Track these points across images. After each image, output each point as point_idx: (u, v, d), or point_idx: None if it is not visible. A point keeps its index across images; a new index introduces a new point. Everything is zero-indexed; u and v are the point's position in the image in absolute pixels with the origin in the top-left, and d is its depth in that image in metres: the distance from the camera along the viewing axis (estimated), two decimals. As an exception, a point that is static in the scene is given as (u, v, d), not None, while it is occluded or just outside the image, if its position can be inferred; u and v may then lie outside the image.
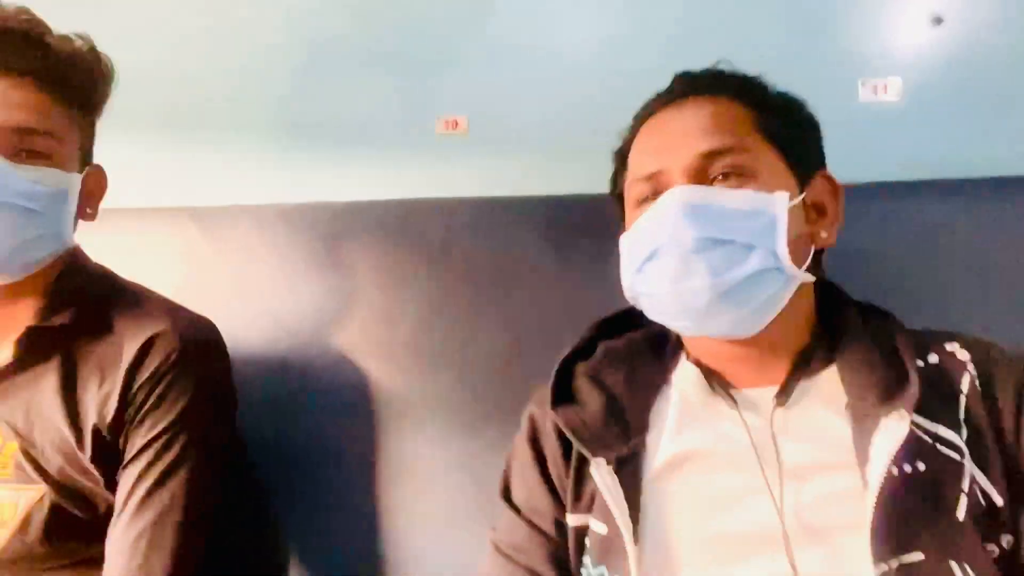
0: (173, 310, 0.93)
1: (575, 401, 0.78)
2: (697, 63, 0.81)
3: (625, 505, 0.69)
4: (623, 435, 0.74)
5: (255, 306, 1.15)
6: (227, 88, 1.28)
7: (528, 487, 0.79)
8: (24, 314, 0.88)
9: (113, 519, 0.85)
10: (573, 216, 1.10)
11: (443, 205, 1.16)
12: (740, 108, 0.75)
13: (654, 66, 0.82)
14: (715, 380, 0.75)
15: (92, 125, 0.94)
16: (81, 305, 0.89)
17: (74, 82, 0.88)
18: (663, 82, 0.81)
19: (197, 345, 0.90)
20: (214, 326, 0.95)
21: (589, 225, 1.07)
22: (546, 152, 1.24)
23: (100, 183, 0.96)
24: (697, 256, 0.68)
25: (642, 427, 0.75)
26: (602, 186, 0.88)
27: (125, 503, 0.84)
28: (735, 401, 0.73)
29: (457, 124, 1.30)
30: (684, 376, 0.77)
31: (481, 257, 1.10)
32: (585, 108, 1.22)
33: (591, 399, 0.77)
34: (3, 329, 0.89)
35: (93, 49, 0.91)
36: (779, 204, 0.70)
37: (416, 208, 1.16)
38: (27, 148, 0.83)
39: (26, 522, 0.85)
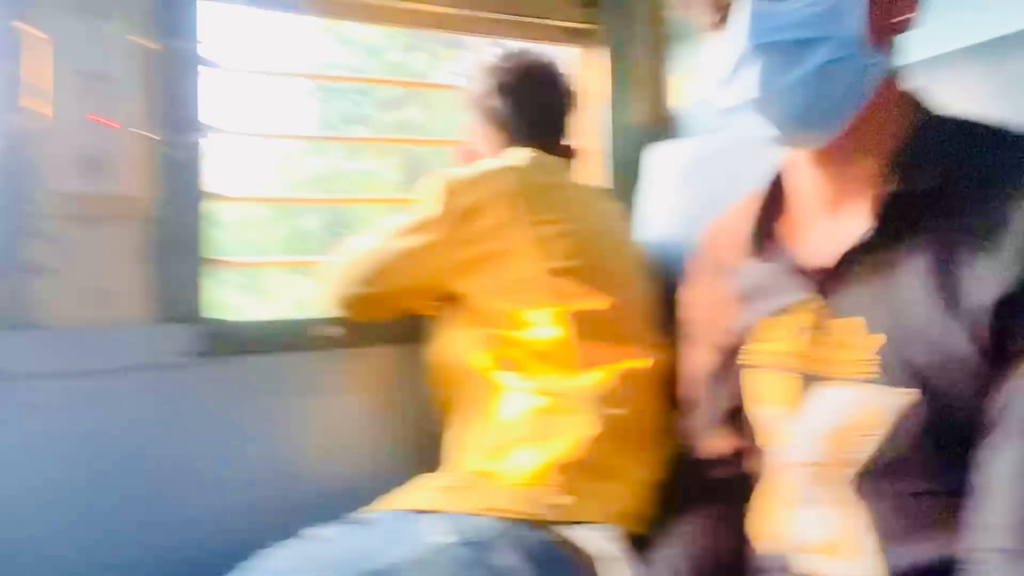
0: None
1: None
2: None
3: None
4: None
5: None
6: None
7: None
8: (865, 174, 0.71)
9: (991, 436, 0.63)
10: None
11: None
12: None
13: None
14: None
15: None
16: (944, 161, 0.68)
17: None
18: None
19: None
20: None
21: None
22: None
23: None
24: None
25: None
26: None
27: (1002, 416, 0.62)
28: None
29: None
30: None
31: None
32: None
33: None
34: (841, 194, 0.73)
35: None
36: None
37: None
38: None
39: (896, 431, 0.67)
